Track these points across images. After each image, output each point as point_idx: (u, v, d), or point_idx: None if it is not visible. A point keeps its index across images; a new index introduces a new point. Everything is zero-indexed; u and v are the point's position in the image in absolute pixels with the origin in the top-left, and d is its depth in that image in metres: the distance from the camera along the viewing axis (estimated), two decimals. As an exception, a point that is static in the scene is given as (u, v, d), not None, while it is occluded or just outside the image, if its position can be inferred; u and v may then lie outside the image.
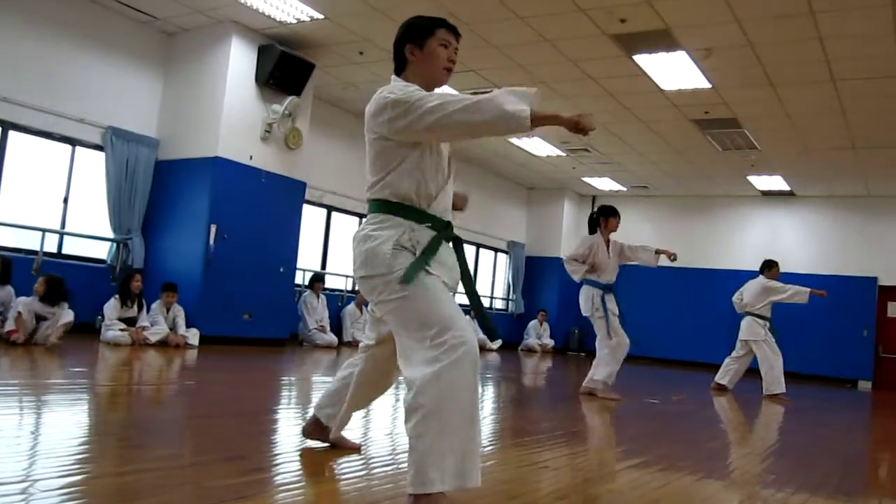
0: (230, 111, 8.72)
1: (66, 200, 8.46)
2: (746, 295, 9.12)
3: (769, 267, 9.17)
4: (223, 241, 8.65)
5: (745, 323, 9.04)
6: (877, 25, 7.00)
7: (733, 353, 9.15)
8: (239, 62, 8.77)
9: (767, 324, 8.98)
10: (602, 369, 6.65)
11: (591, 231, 6.97)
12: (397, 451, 3.34)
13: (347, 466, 2.92)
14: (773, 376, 8.69)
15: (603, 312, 6.64)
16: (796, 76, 8.47)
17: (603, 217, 6.92)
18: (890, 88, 8.51)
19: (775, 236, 14.74)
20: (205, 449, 3.07)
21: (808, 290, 8.97)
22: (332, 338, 10.60)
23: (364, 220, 2.59)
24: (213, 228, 8.57)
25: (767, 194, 14.90)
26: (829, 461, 4.35)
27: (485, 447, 3.71)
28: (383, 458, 3.18)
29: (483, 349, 13.65)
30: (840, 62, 7.93)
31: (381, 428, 4.15)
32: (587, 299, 6.77)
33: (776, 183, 13.92)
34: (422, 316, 2.34)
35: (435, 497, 2.20)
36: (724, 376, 9.15)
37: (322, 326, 10.61)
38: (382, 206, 2.51)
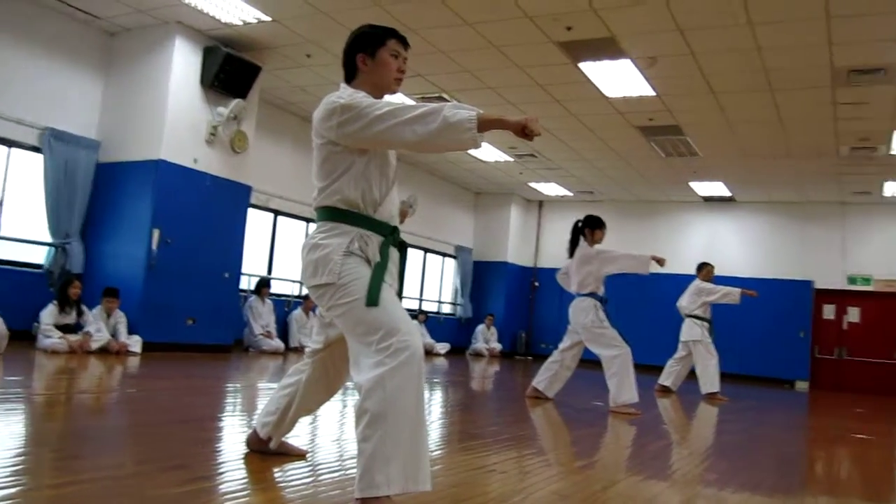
0: (174, 113, 8.58)
1: (0, 203, 8.21)
2: (684, 298, 9.36)
3: (702, 268, 9.42)
4: (166, 245, 8.49)
5: (685, 325, 9.26)
6: (811, 37, 7.21)
7: (675, 355, 9.35)
8: (183, 63, 8.63)
9: (707, 325, 9.19)
10: (625, 391, 6.36)
11: (574, 241, 6.82)
12: (345, 456, 3.32)
13: (293, 473, 2.90)
14: (708, 376, 8.91)
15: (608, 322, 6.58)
16: (736, 85, 8.68)
17: (589, 228, 6.82)
18: (822, 98, 8.79)
19: (716, 241, 15.09)
20: (146, 458, 3.01)
21: (740, 290, 9.22)
22: (278, 343, 10.49)
23: (313, 228, 2.58)
24: (156, 233, 8.41)
25: (709, 200, 15.24)
26: (768, 460, 4.47)
27: (432, 451, 3.71)
28: (330, 465, 3.16)
29: (430, 353, 13.66)
30: (777, 72, 8.16)
31: (329, 434, 4.13)
32: (586, 311, 6.63)
33: (717, 189, 14.25)
34: (369, 321, 2.35)
35: (381, 501, 2.20)
36: (667, 378, 9.33)
37: (268, 332, 10.49)
38: (330, 214, 2.51)
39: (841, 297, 14.42)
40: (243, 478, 2.79)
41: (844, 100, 8.78)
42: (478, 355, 15.22)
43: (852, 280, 14.25)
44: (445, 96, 9.82)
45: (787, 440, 5.72)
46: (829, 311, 14.53)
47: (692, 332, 9.16)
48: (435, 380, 8.66)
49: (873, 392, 13.55)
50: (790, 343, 14.30)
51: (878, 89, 8.35)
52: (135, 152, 8.62)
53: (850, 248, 14.28)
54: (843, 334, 14.42)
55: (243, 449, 3.17)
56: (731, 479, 3.69)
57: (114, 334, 7.98)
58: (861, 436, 6.45)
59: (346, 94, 2.49)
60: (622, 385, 6.38)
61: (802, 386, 14.07)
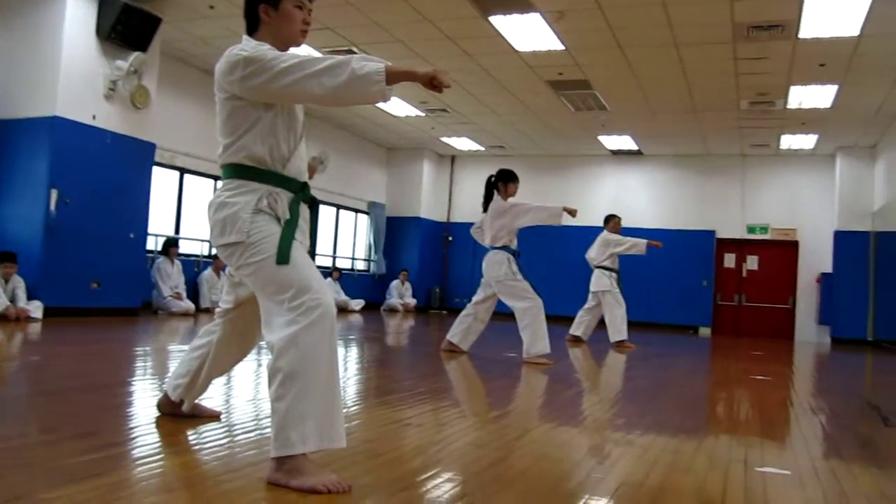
0: (69, 67, 8.15)
1: None
2: (592, 249, 9.60)
3: (609, 220, 9.67)
4: (65, 206, 8.13)
5: (594, 275, 9.51)
6: (714, -8, 7.39)
7: (585, 306, 9.60)
8: (76, 14, 8.18)
9: (615, 275, 9.46)
10: (538, 342, 6.50)
11: (488, 195, 6.87)
12: (260, 416, 3.29)
13: (208, 435, 2.86)
14: (616, 325, 9.20)
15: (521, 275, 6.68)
16: (643, 40, 8.83)
17: (503, 182, 6.87)
18: (724, 53, 9.03)
19: (624, 193, 15.47)
20: (51, 427, 2.92)
21: (646, 241, 9.49)
22: (188, 305, 10.26)
23: (219, 186, 2.51)
24: (54, 193, 8.04)
25: (617, 153, 15.57)
26: (673, 403, 4.66)
27: (348, 407, 3.72)
28: (246, 425, 3.14)
29: (345, 310, 13.63)
30: (682, 27, 8.33)
31: (243, 394, 4.08)
32: (499, 264, 6.70)
33: (625, 142, 14.56)
34: (280, 279, 2.32)
35: (297, 459, 2.20)
36: (577, 328, 9.58)
37: (178, 293, 10.24)
38: (237, 171, 2.45)
39: (740, 246, 15.07)
40: (156, 442, 2.73)
41: (745, 55, 9.05)
42: (392, 311, 15.28)
43: (751, 230, 14.89)
44: (355, 49, 9.65)
45: (690, 383, 5.98)
46: (729, 260, 15.16)
47: (601, 282, 9.41)
48: (350, 336, 8.65)
49: (770, 335, 14.29)
50: (694, 291, 14.89)
51: (776, 45, 8.63)
52: (28, 108, 8.17)
53: (750, 199, 14.88)
54: (743, 282, 15.10)
55: (155, 413, 3.10)
56: (638, 423, 3.84)
57: (12, 300, 7.64)
58: (759, 377, 6.81)
59: (249, 46, 2.41)
60: (535, 336, 6.52)
61: (706, 332, 14.70)
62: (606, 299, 9.31)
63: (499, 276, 6.68)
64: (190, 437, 2.82)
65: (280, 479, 2.20)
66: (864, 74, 9.51)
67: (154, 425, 2.97)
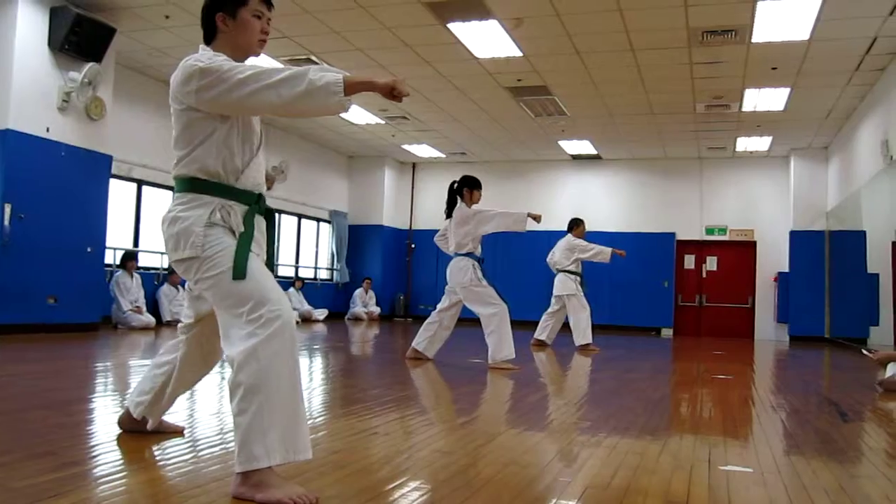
0: (21, 79, 8.00)
1: None
2: (556, 253, 9.67)
3: (575, 225, 9.75)
4: (19, 221, 7.97)
5: (558, 279, 9.57)
6: (668, -2, 7.50)
7: (549, 309, 9.66)
8: (28, 25, 8.04)
9: (579, 279, 9.54)
10: (503, 347, 6.56)
11: (452, 202, 6.88)
12: (224, 430, 3.26)
13: (172, 451, 2.82)
14: (580, 329, 9.27)
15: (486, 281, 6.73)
16: (600, 46, 8.93)
17: (467, 189, 6.87)
18: (680, 58, 9.17)
19: (585, 198, 15.60)
20: (8, 448, 2.84)
21: (610, 250, 9.60)
22: (148, 319, 10.12)
23: (172, 199, 2.48)
24: (8, 208, 7.87)
25: (577, 158, 15.71)
26: (637, 404, 4.71)
27: (314, 418, 3.70)
28: (210, 440, 3.10)
29: (309, 320, 13.54)
30: (638, 33, 8.44)
31: (207, 409, 4.03)
32: (464, 270, 6.72)
33: (585, 147, 14.70)
34: (237, 292, 2.30)
35: (263, 472, 2.18)
36: (542, 332, 9.63)
37: (137, 307, 10.09)
38: (189, 184, 2.42)
39: (700, 248, 15.29)
40: (118, 460, 2.69)
41: (700, 59, 9.20)
42: (357, 319, 15.21)
43: (710, 231, 15.13)
44: (314, 58, 9.61)
45: (654, 385, 6.04)
46: (689, 262, 15.38)
47: (566, 286, 9.48)
48: (314, 346, 8.59)
49: (730, 335, 14.51)
50: (655, 292, 15.06)
51: (730, 49, 8.79)
52: (-22, 122, 8.01)
53: (707, 201, 15.12)
54: (703, 282, 15.32)
55: (116, 430, 3.05)
56: (603, 425, 3.87)
57: (-34, 318, 7.47)
58: (720, 376, 6.90)
59: (205, 56, 2.39)
60: (501, 342, 6.54)
61: (667, 332, 14.88)
62: (571, 303, 9.37)
63: (464, 282, 6.69)
64: (154, 454, 2.78)
65: (245, 494, 2.18)
66: (815, 77, 9.73)
67: (115, 443, 2.92)
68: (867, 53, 8.79)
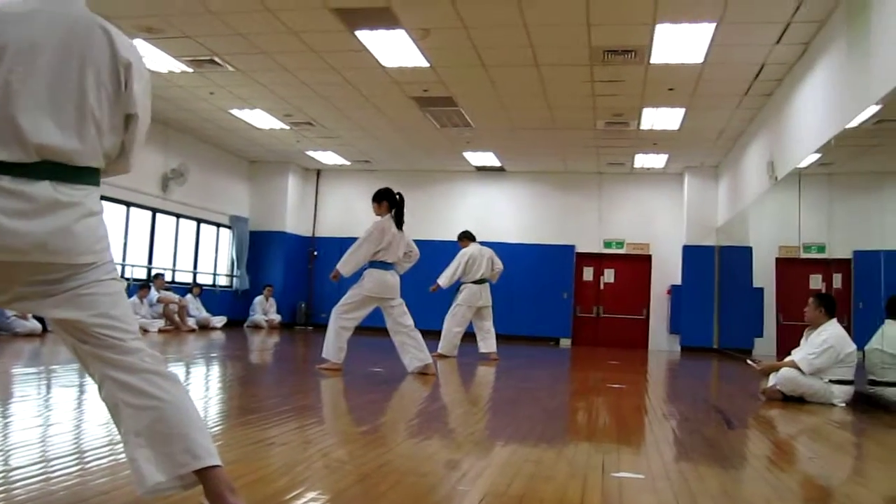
0: None
1: None
2: (497, 262, 9.96)
3: (460, 238, 10.05)
4: None
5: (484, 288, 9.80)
6: (572, 17, 7.68)
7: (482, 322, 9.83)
8: None
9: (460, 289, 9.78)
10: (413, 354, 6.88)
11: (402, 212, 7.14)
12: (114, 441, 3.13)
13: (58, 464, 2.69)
14: (447, 340, 9.48)
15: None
16: (505, 59, 9.06)
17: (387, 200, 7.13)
18: (582, 75, 9.42)
19: (489, 209, 15.79)
20: None
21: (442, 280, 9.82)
22: (34, 324, 9.63)
23: None
24: None
25: (481, 169, 15.89)
26: (535, 413, 4.78)
27: (209, 428, 3.59)
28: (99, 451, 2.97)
29: (207, 327, 13.18)
30: (542, 49, 8.62)
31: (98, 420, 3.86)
32: (382, 281, 6.94)
33: (489, 159, 14.88)
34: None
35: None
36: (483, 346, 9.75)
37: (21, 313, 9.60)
38: None
39: (598, 260, 15.69)
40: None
41: (601, 78, 9.47)
42: (256, 327, 14.90)
43: (608, 244, 15.55)
44: (217, 59, 9.39)
45: (552, 393, 6.16)
46: (588, 273, 15.76)
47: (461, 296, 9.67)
48: (211, 355, 8.37)
49: (625, 345, 14.94)
50: (555, 304, 15.36)
51: (630, 69, 9.08)
52: None
53: (606, 215, 15.55)
54: (600, 294, 15.73)
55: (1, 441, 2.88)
56: (501, 433, 3.91)
57: None
58: (615, 385, 7.10)
59: None
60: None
61: (566, 343, 15.19)
62: (452, 312, 9.59)
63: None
64: (35, 467, 2.64)
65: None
66: (708, 99, 10.17)
67: (-7, 455, 2.76)
68: (756, 79, 9.25)
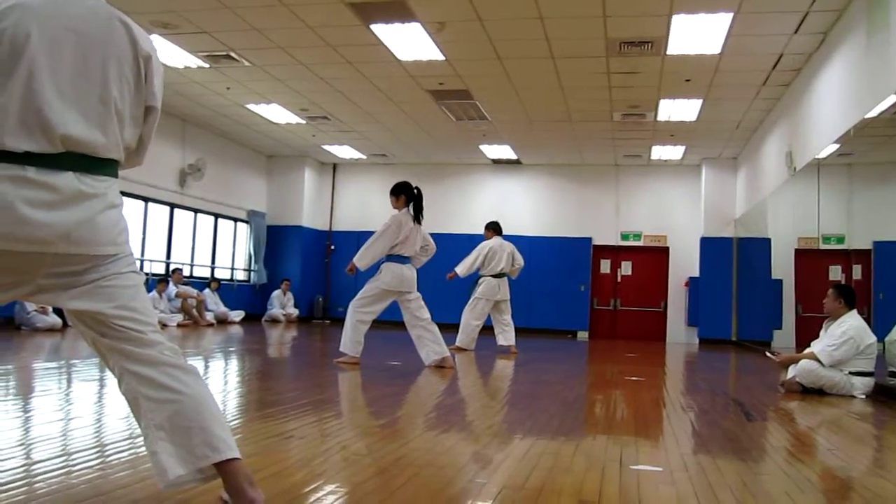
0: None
1: None
2: (518, 257, 9.93)
3: (487, 228, 9.99)
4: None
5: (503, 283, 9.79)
6: (588, 9, 7.65)
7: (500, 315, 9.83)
8: None
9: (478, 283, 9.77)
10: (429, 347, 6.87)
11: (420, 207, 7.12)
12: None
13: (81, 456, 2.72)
14: (465, 333, 9.47)
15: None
16: (521, 52, 9.04)
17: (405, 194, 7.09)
18: (598, 67, 9.38)
19: (505, 202, 15.76)
20: None
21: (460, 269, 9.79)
22: (54, 319, 9.72)
23: None
24: None
25: (497, 162, 15.86)
26: (553, 406, 4.78)
27: (228, 421, 3.62)
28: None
29: (225, 322, 13.27)
30: (558, 41, 8.59)
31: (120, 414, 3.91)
32: (399, 275, 6.92)
33: (505, 152, 14.86)
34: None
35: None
36: (501, 339, 9.75)
37: (42, 308, 9.68)
38: None
39: (615, 253, 15.64)
40: (19, 466, 2.58)
41: (617, 69, 9.42)
42: (274, 321, 14.98)
43: (625, 237, 15.50)
44: (233, 55, 9.43)
45: (569, 386, 6.15)
46: (605, 266, 15.72)
47: (478, 290, 9.66)
48: (230, 349, 8.43)
49: (643, 338, 14.90)
50: (572, 296, 15.33)
51: (647, 60, 9.03)
52: None
53: (623, 208, 15.50)
54: (618, 286, 15.68)
55: (21, 435, 2.92)
56: (519, 427, 3.92)
57: None
58: (633, 378, 7.08)
59: None
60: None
61: (584, 335, 15.17)
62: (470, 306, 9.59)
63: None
64: (58, 462, 2.67)
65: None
66: (725, 90, 10.09)
67: (20, 447, 2.80)
68: (774, 69, 9.17)
